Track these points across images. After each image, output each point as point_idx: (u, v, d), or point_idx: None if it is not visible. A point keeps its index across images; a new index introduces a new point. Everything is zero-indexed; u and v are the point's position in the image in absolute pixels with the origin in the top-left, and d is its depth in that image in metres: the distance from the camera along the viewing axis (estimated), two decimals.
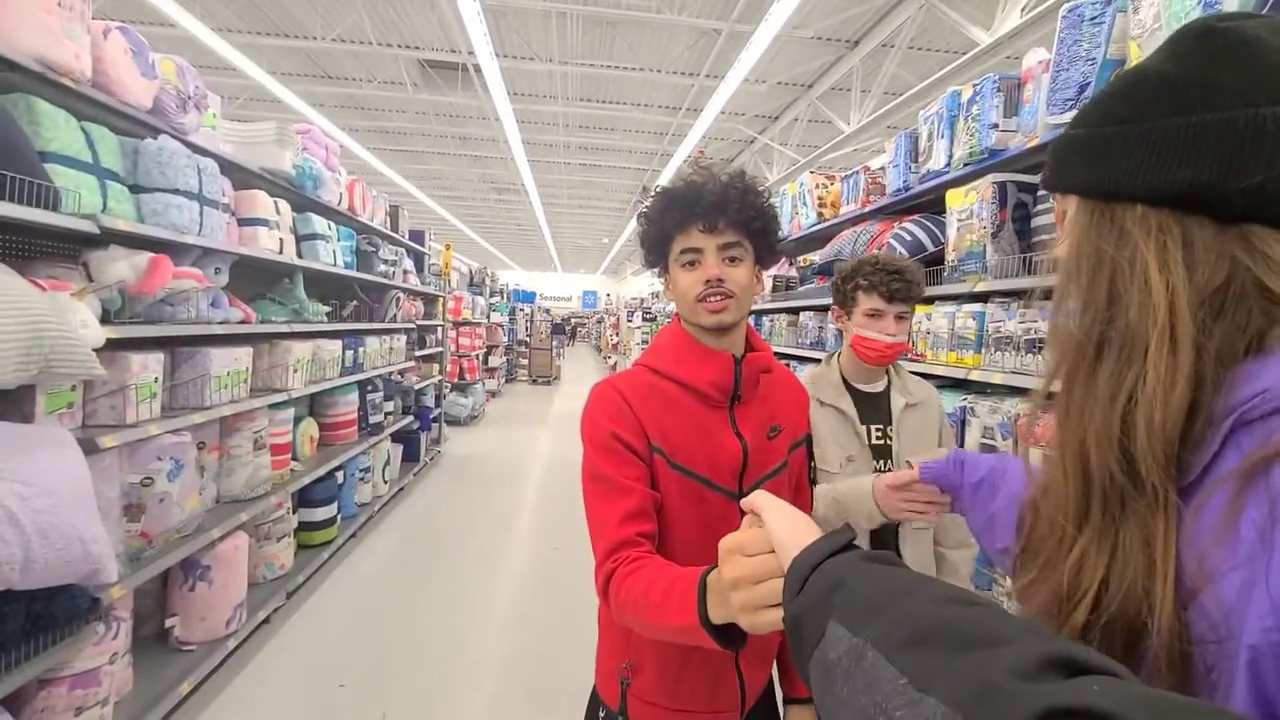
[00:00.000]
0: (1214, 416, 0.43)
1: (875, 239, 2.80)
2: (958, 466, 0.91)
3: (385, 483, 4.84)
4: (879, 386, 1.61)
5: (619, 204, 16.11)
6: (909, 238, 2.51)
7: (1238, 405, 0.42)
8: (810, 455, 1.22)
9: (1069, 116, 1.72)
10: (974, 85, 2.21)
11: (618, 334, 16.58)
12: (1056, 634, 0.34)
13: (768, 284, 4.21)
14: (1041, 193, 2.02)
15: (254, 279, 3.35)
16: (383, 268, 4.68)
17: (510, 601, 3.51)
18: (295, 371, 3.26)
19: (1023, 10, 4.59)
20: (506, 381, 13.22)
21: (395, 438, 5.26)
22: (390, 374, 5.12)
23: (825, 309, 3.50)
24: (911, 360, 2.43)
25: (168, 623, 2.51)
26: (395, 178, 11.76)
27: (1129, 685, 0.28)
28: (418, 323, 5.94)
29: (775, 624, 0.55)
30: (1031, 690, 0.28)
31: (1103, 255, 0.49)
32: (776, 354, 1.33)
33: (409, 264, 5.66)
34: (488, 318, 10.77)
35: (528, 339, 15.02)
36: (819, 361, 3.70)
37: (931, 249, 2.45)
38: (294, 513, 3.44)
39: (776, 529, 0.56)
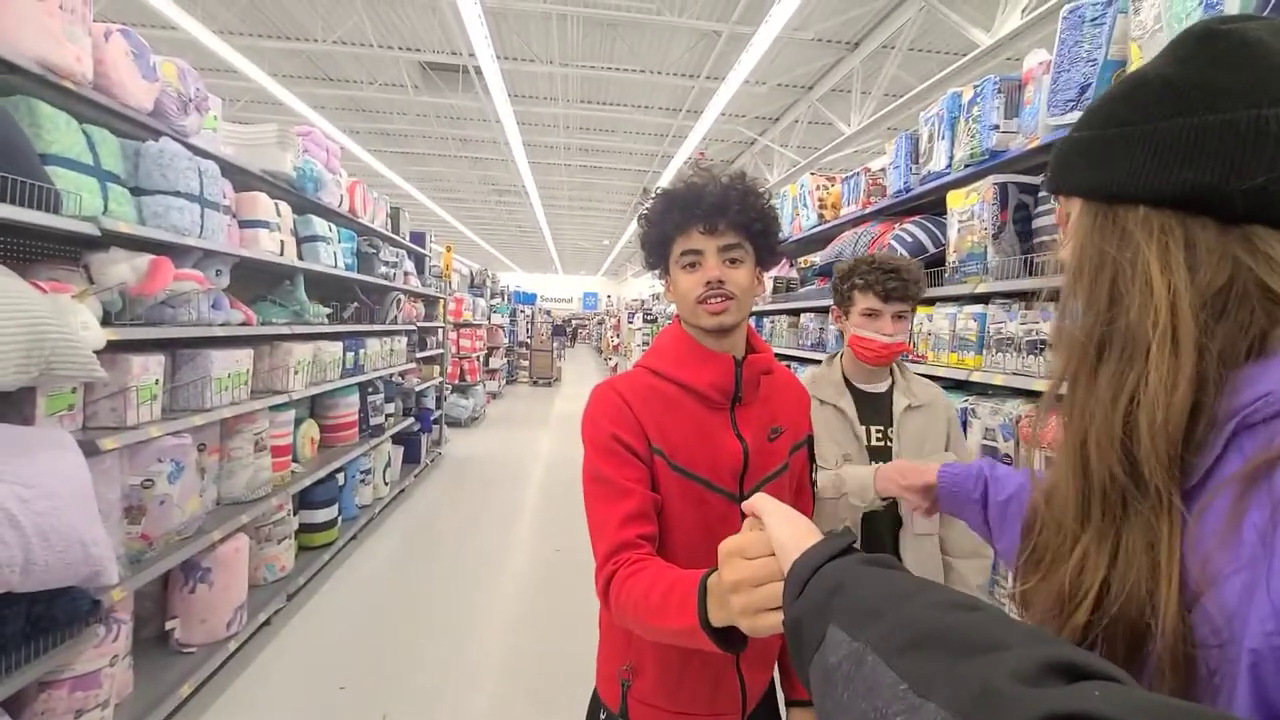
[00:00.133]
0: (1216, 419, 0.43)
1: (876, 240, 2.80)
2: (980, 481, 0.88)
3: (386, 484, 4.84)
4: (881, 387, 1.60)
5: (619, 206, 16.12)
6: (910, 239, 2.51)
7: (1240, 408, 0.42)
8: (812, 457, 1.22)
9: (1070, 118, 1.72)
10: (975, 86, 2.21)
11: (618, 335, 16.58)
12: (1058, 638, 0.34)
13: (768, 285, 4.21)
14: (1043, 194, 2.01)
15: (255, 281, 3.35)
16: (383, 269, 4.68)
17: (511, 603, 3.51)
18: (296, 373, 3.26)
19: (1023, 12, 4.59)
20: (507, 383, 13.22)
21: (396, 439, 5.26)
22: (391, 376, 5.12)
23: (826, 310, 3.50)
24: (913, 361, 2.43)
25: (168, 625, 2.51)
26: (396, 180, 11.77)
27: (1130, 690, 0.28)
28: (418, 324, 5.94)
29: (775, 627, 0.55)
30: (1032, 695, 0.28)
31: (1105, 256, 0.49)
32: (777, 355, 1.33)
33: (410, 266, 5.66)
34: (488, 319, 10.78)
35: (528, 340, 15.03)
36: (820, 363, 3.70)
37: (932, 250, 2.45)
38: (295, 515, 3.43)
39: (777, 532, 0.56)
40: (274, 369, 3.20)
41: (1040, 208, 2.01)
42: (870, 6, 5.85)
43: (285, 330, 3.23)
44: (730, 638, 0.70)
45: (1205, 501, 0.42)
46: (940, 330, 2.31)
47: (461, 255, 10.36)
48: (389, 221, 5.21)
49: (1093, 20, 1.66)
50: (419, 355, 6.15)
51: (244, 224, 2.87)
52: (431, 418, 6.35)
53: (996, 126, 2.10)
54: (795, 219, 3.99)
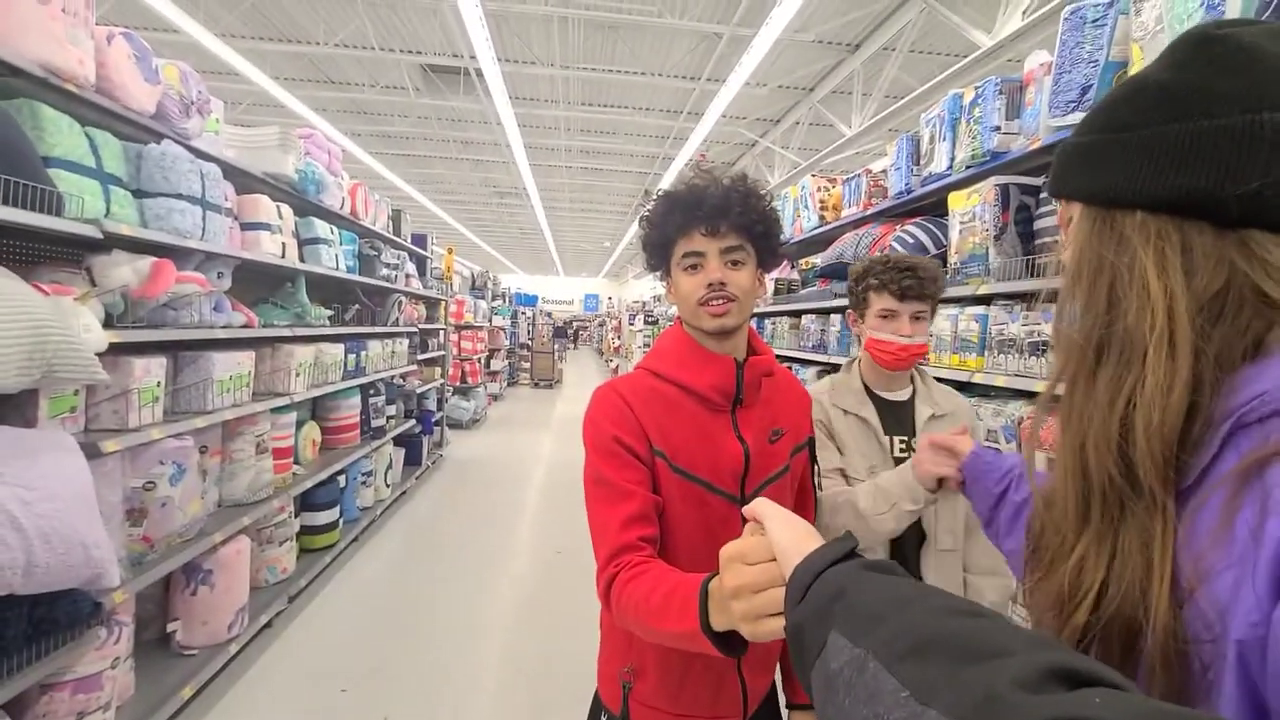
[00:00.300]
0: (1213, 420, 0.44)
1: (877, 242, 2.80)
2: (1005, 478, 0.88)
3: (387, 486, 4.84)
4: (903, 395, 1.51)
5: (620, 207, 16.14)
6: (911, 240, 2.51)
7: (1236, 409, 0.42)
8: (813, 459, 1.22)
9: (1071, 119, 1.72)
10: (976, 88, 2.21)
11: (619, 337, 16.59)
12: (1060, 644, 0.34)
13: (770, 287, 4.21)
14: (1044, 195, 2.01)
15: (256, 283, 3.36)
16: (385, 271, 4.69)
17: (512, 605, 3.51)
18: (297, 375, 3.26)
19: (1024, 13, 4.59)
20: (508, 385, 13.23)
21: (397, 441, 5.25)
22: (392, 377, 5.12)
23: (827, 312, 3.50)
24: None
25: (169, 627, 2.51)
26: (397, 182, 11.79)
27: (1132, 697, 0.28)
28: (420, 326, 5.94)
29: (777, 633, 0.55)
30: (1034, 702, 0.28)
31: (1103, 261, 0.50)
32: (778, 357, 1.32)
33: (411, 268, 5.67)
34: (490, 321, 10.78)
35: (529, 342, 15.03)
36: (821, 364, 3.68)
37: (934, 252, 2.45)
38: (296, 517, 3.43)
39: (778, 537, 0.56)
40: (275, 371, 3.20)
41: (1042, 209, 2.00)
42: (871, 8, 5.85)
43: (287, 332, 3.23)
44: (731, 642, 0.70)
45: (1199, 500, 0.43)
46: (942, 332, 2.31)
47: (463, 257, 10.37)
48: (390, 224, 5.22)
49: (1094, 21, 1.66)
50: (420, 357, 6.16)
51: (246, 226, 2.88)
52: (433, 420, 6.36)
53: (998, 128, 2.10)
54: (796, 221, 3.99)
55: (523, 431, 8.93)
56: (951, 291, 2.27)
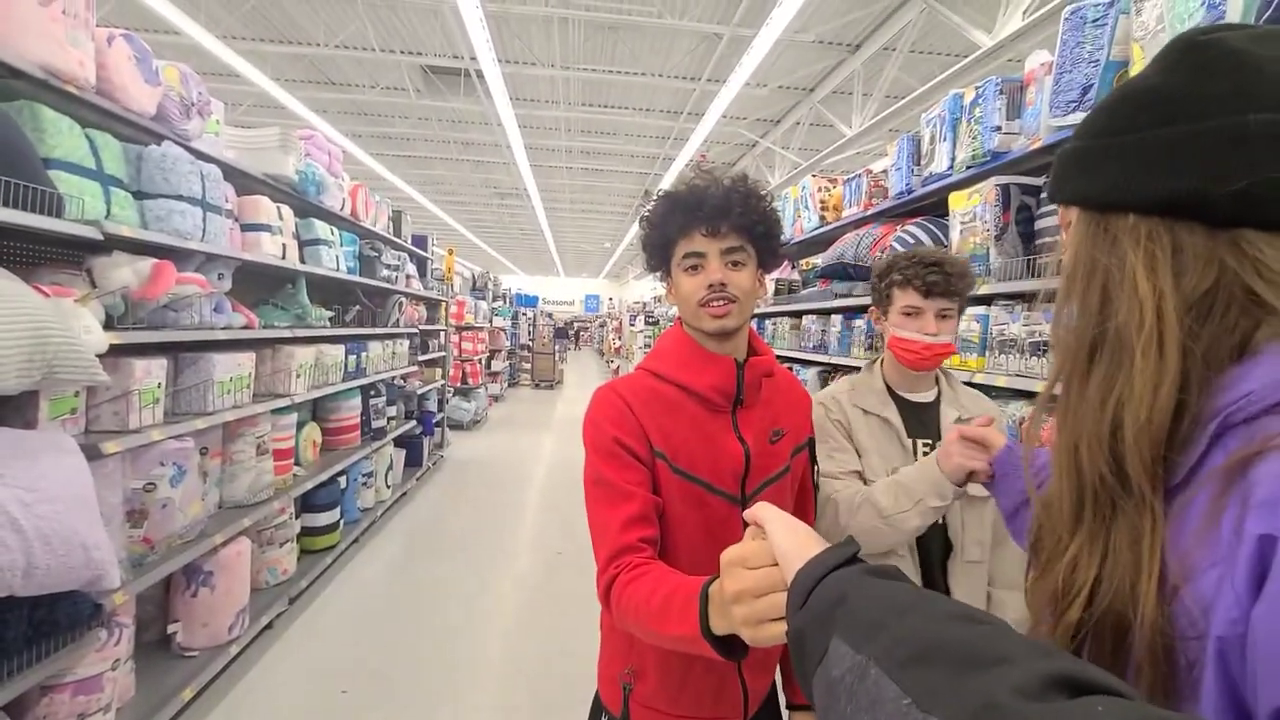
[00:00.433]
0: (1201, 419, 0.44)
1: (878, 242, 2.80)
2: (1037, 475, 0.86)
3: (388, 487, 4.84)
4: (928, 396, 1.44)
5: (621, 208, 16.14)
6: (912, 240, 2.50)
7: (1223, 408, 0.43)
8: (813, 459, 1.21)
9: (1072, 119, 1.71)
10: (976, 88, 2.21)
11: (620, 338, 16.60)
12: (1062, 651, 0.34)
13: (770, 287, 4.21)
14: (1044, 195, 2.01)
15: (257, 284, 3.36)
16: (385, 273, 4.69)
17: (513, 606, 3.50)
18: (298, 376, 3.26)
19: (1024, 13, 4.59)
20: (509, 386, 13.23)
21: (398, 442, 5.26)
22: (393, 378, 5.12)
23: (828, 312, 3.50)
24: None
25: (170, 629, 2.51)
26: (398, 183, 11.80)
27: (1135, 705, 0.28)
28: (420, 327, 5.94)
29: (778, 637, 0.55)
30: (1035, 710, 0.28)
31: (1096, 263, 0.51)
32: (779, 357, 1.31)
33: (412, 269, 5.67)
34: (490, 322, 10.79)
35: (530, 343, 15.03)
36: (822, 365, 3.67)
37: None
38: (297, 518, 3.43)
39: (780, 541, 0.56)
40: (276, 372, 3.20)
41: (1043, 209, 2.00)
42: (871, 8, 5.85)
43: (287, 333, 3.23)
44: (731, 646, 0.69)
45: (1186, 498, 0.43)
46: None
47: (463, 258, 10.35)
48: (391, 225, 5.22)
49: (1094, 21, 1.66)
50: (421, 358, 6.16)
51: (246, 227, 2.88)
52: (433, 421, 6.36)
53: (998, 128, 2.10)
54: (797, 221, 3.99)
55: (523, 432, 8.92)
56: None
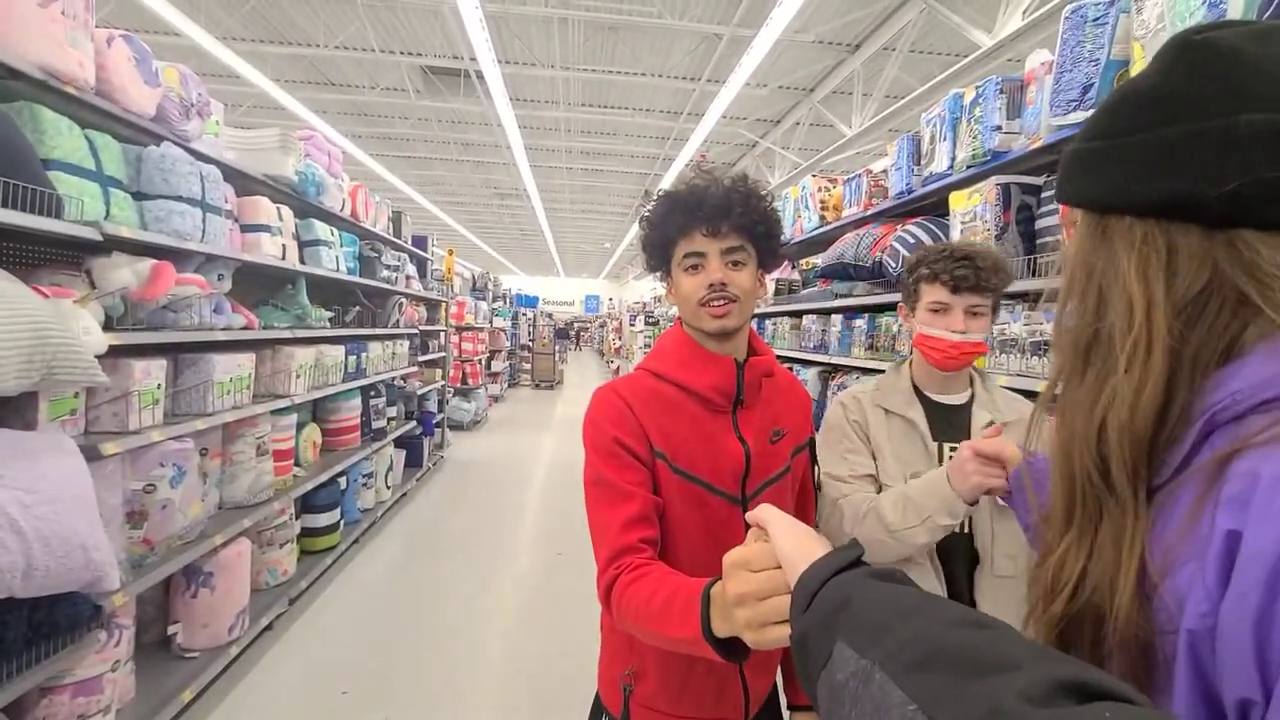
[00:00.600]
0: (1189, 418, 0.45)
1: (878, 242, 2.80)
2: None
3: (388, 488, 4.84)
4: (959, 398, 1.36)
5: (621, 208, 16.14)
6: (912, 240, 2.50)
7: (1210, 406, 0.43)
8: (814, 460, 1.21)
9: (1073, 118, 1.71)
10: (976, 87, 2.21)
11: (620, 338, 16.60)
12: (1069, 656, 0.34)
13: (770, 287, 4.20)
14: (1045, 195, 2.01)
15: (257, 285, 3.36)
16: (385, 273, 4.69)
17: (513, 606, 3.50)
18: (298, 377, 3.26)
19: (1024, 12, 4.58)
20: (509, 386, 13.23)
21: (398, 443, 5.25)
22: (393, 379, 5.12)
23: (828, 312, 3.49)
24: None
25: (170, 630, 2.51)
26: (398, 183, 11.80)
27: (1143, 711, 0.28)
28: (420, 328, 5.94)
29: (781, 640, 0.55)
30: (1042, 716, 0.28)
31: (1094, 265, 0.51)
32: (779, 357, 1.30)
33: (412, 269, 5.67)
34: (490, 323, 10.79)
35: (530, 344, 15.03)
36: (822, 365, 3.67)
37: None
38: (297, 519, 3.43)
39: (782, 543, 0.56)
40: (276, 373, 3.20)
41: (1043, 209, 2.00)
42: (871, 8, 5.85)
43: (287, 334, 3.23)
44: (733, 648, 0.69)
45: (1172, 495, 0.44)
46: None
47: (463, 258, 10.36)
48: (391, 225, 5.22)
49: (1095, 20, 1.65)
50: (421, 359, 6.16)
51: (246, 228, 2.88)
52: (433, 421, 6.35)
53: (999, 127, 2.10)
54: (797, 221, 3.99)
55: (524, 433, 8.92)
56: None
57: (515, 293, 15.91)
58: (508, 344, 12.69)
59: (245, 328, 2.79)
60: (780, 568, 0.55)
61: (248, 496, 2.84)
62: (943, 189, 2.44)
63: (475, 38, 5.24)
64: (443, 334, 7.12)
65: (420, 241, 6.19)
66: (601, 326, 24.40)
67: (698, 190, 0.99)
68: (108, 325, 1.99)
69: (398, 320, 5.06)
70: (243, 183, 2.92)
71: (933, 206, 2.67)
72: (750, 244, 1.01)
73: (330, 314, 3.80)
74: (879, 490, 1.27)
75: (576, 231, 20.85)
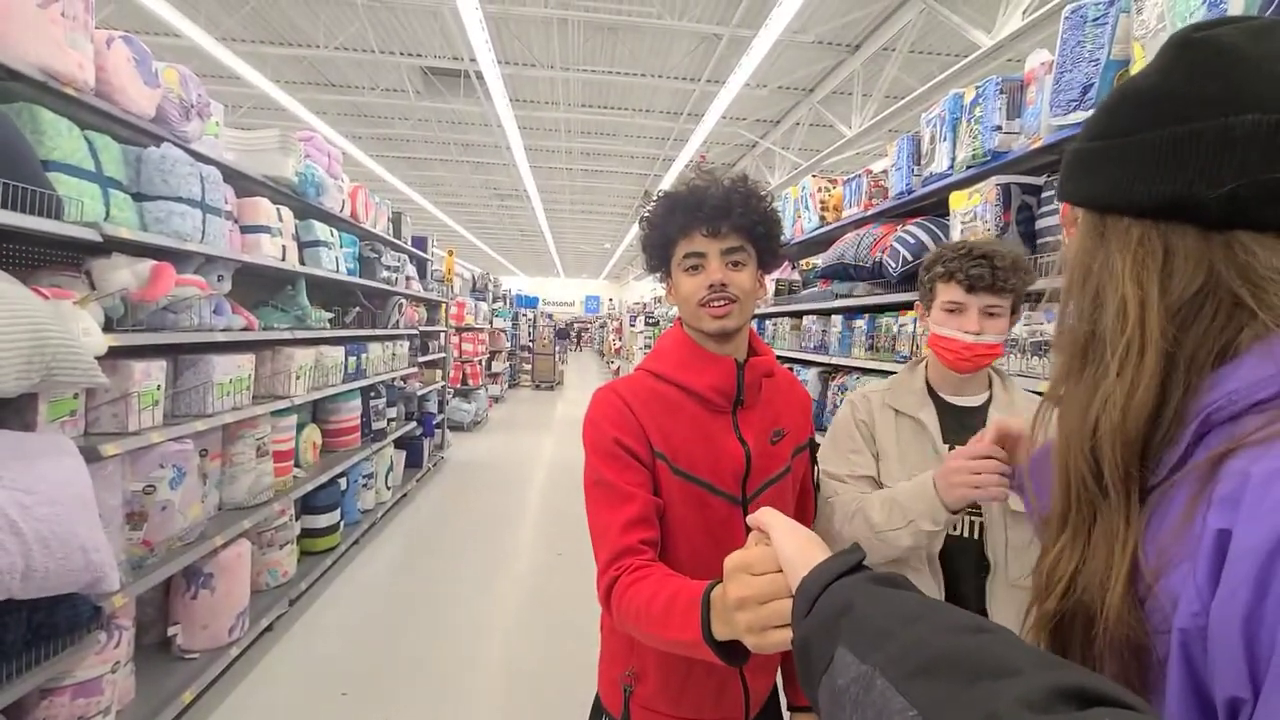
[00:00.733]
0: (1185, 419, 0.45)
1: (878, 242, 2.79)
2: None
3: (388, 489, 4.84)
4: (974, 400, 1.31)
5: (621, 209, 16.15)
6: (912, 240, 2.50)
7: (1206, 406, 0.44)
8: (814, 460, 1.21)
9: (1073, 117, 1.71)
10: (976, 87, 2.21)
11: (620, 339, 16.60)
12: (1070, 662, 0.34)
13: (770, 288, 4.20)
14: (1046, 195, 2.01)
15: (257, 286, 3.36)
16: (385, 274, 4.69)
17: (513, 607, 3.50)
18: (298, 378, 3.26)
19: (1024, 13, 4.58)
20: (509, 387, 13.23)
21: (398, 444, 5.25)
22: (393, 380, 5.12)
23: (828, 313, 3.49)
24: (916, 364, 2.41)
25: (170, 631, 2.51)
26: (398, 184, 11.80)
27: (1142, 718, 0.28)
28: (420, 329, 5.94)
29: (782, 644, 0.54)
30: None
31: (1091, 266, 0.52)
32: (779, 358, 1.29)
33: (411, 270, 5.67)
34: (490, 323, 10.79)
35: (530, 344, 15.04)
36: (822, 365, 3.66)
37: None
38: (297, 520, 3.43)
39: (784, 547, 0.56)
40: (276, 374, 3.20)
41: (1044, 208, 2.00)
42: (870, 9, 5.85)
43: (287, 335, 3.23)
44: (733, 651, 0.69)
45: (1166, 495, 0.44)
46: None
47: (463, 259, 10.36)
48: (391, 226, 5.22)
49: (1095, 20, 1.65)
50: (421, 359, 6.16)
51: (246, 229, 2.88)
52: (434, 422, 6.35)
53: (999, 127, 2.09)
54: (797, 221, 3.99)
55: (524, 433, 8.92)
56: None
57: (515, 293, 15.91)
58: (508, 345, 12.69)
59: (245, 329, 2.79)
60: (782, 571, 0.55)
61: (248, 497, 2.84)
62: (943, 189, 2.44)
63: (475, 38, 5.24)
64: (443, 335, 7.12)
65: (420, 242, 6.19)
66: (601, 327, 24.40)
67: (698, 190, 0.99)
68: (107, 326, 1.99)
69: (398, 321, 5.06)
70: (242, 184, 2.92)
71: (933, 207, 2.66)
72: (750, 244, 1.01)
73: (330, 315, 3.79)
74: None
75: (576, 232, 20.85)
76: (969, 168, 2.26)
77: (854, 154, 8.63)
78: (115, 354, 1.96)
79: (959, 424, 1.27)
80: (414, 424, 5.68)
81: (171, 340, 2.28)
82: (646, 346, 11.53)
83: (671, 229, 1.02)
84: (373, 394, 4.61)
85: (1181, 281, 0.46)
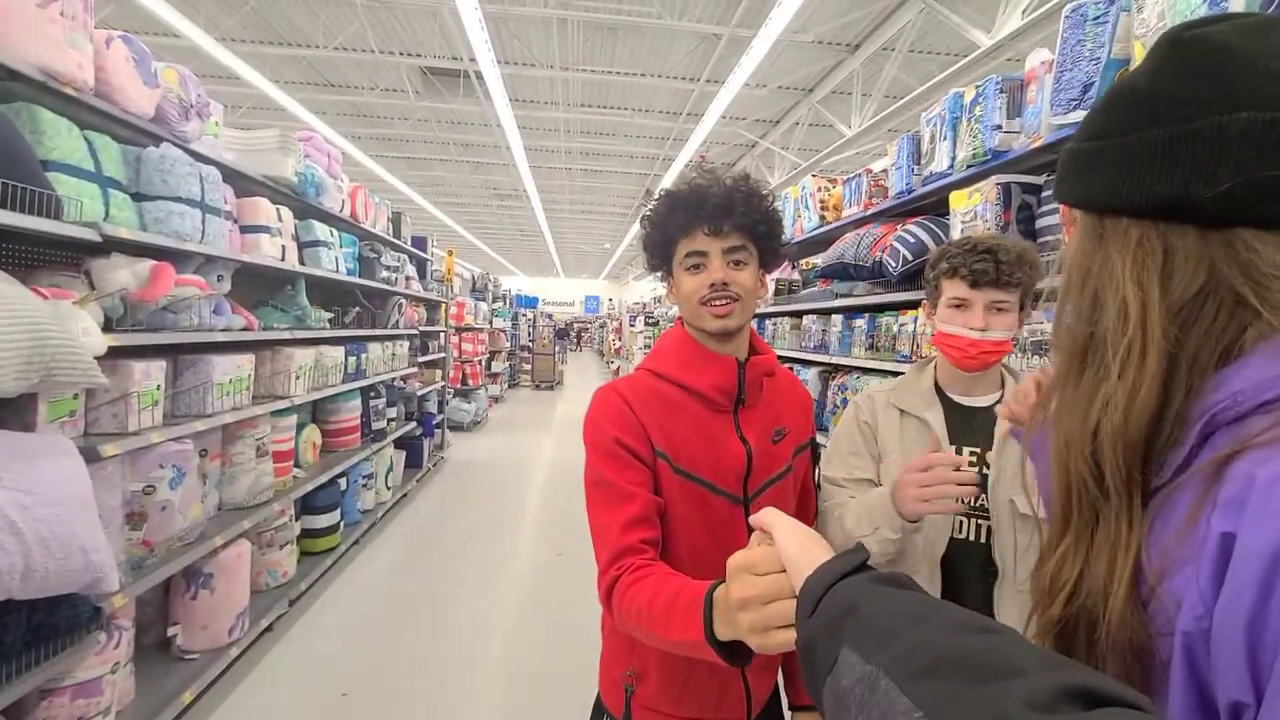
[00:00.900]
0: (1188, 420, 0.44)
1: (878, 241, 2.79)
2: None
3: (388, 489, 4.83)
4: (984, 400, 1.27)
5: (621, 209, 16.14)
6: (912, 240, 2.50)
7: (1210, 407, 0.43)
8: (815, 459, 1.21)
9: (1073, 117, 1.71)
10: (976, 87, 2.20)
11: (620, 339, 16.60)
12: (1076, 662, 0.34)
13: (770, 287, 4.20)
14: (1046, 194, 2.01)
15: (256, 286, 3.35)
16: (385, 274, 4.68)
17: (514, 607, 3.50)
18: (298, 378, 3.26)
19: (1024, 12, 4.58)
20: (509, 387, 13.22)
21: (398, 444, 5.25)
22: (393, 380, 5.12)
23: (828, 312, 3.49)
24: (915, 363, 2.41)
25: (170, 631, 2.50)
26: (397, 184, 11.80)
27: (1148, 718, 0.28)
28: (420, 329, 5.94)
29: (786, 645, 0.54)
30: None
31: (1089, 266, 0.51)
32: (779, 357, 1.29)
33: (411, 270, 5.67)
34: (490, 323, 10.78)
35: (530, 344, 15.03)
36: (822, 365, 3.66)
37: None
38: (296, 520, 3.42)
39: (787, 547, 0.55)
40: (276, 374, 3.19)
41: (1044, 208, 2.00)
42: (870, 8, 5.85)
43: (287, 335, 3.23)
44: (736, 652, 0.69)
45: (1171, 497, 0.44)
46: None
47: (463, 259, 10.35)
48: (390, 226, 5.22)
49: (1095, 19, 1.65)
50: (421, 359, 6.15)
51: (245, 229, 2.87)
52: (433, 422, 6.35)
53: (999, 126, 2.09)
54: (797, 221, 3.98)
55: (524, 433, 8.92)
56: None
57: (515, 293, 15.90)
58: (507, 345, 12.69)
59: (245, 329, 2.79)
60: (785, 571, 0.55)
61: (247, 498, 2.84)
62: (943, 188, 2.44)
63: (475, 38, 5.24)
64: (442, 335, 7.12)
65: (420, 242, 6.19)
66: (601, 327, 24.40)
67: (700, 189, 0.99)
68: (107, 326, 1.99)
69: (397, 321, 5.06)
70: (242, 184, 2.92)
71: (933, 206, 2.66)
72: (752, 243, 1.01)
73: (330, 315, 3.79)
74: None
75: (576, 232, 20.85)
76: (969, 167, 2.26)
77: (854, 154, 8.63)
78: (115, 354, 1.95)
79: (967, 424, 1.25)
80: (414, 424, 5.68)
81: (171, 340, 2.27)
82: (646, 346, 11.54)
83: (673, 228, 1.01)
84: (372, 394, 4.61)
85: (1182, 281, 0.45)
